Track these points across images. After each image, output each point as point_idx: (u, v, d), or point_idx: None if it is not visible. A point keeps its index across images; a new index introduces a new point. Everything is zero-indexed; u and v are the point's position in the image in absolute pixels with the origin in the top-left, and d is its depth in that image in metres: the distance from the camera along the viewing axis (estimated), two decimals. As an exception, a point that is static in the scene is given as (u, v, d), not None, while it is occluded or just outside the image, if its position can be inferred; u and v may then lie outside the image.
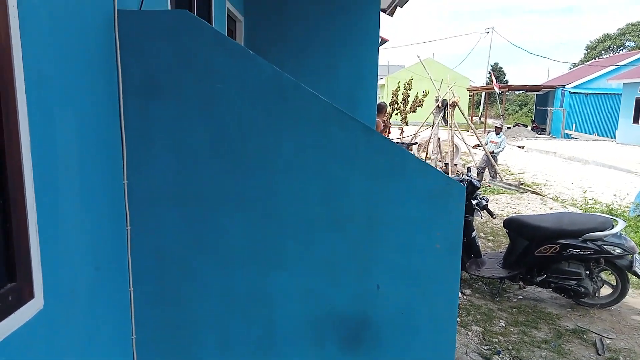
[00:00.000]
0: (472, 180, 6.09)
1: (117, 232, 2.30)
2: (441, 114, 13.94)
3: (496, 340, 4.64)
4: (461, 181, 5.98)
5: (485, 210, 6.13)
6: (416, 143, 15.70)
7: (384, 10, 8.18)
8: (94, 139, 2.07)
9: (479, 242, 6.28)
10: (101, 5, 2.12)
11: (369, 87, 6.27)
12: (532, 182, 14.22)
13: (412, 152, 14.98)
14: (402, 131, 18.95)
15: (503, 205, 10.92)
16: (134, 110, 2.28)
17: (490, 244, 7.84)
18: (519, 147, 24.72)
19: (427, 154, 14.92)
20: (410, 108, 20.46)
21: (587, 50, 65.02)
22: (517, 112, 57.01)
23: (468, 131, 20.70)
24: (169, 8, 3.15)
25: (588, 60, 51.21)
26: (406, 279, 2.43)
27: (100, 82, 2.12)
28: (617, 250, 5.23)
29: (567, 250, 5.34)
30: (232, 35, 5.78)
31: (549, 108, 35.27)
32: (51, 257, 1.74)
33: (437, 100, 14.06)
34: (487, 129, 29.57)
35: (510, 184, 13.16)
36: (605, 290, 5.62)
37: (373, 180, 2.34)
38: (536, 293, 5.91)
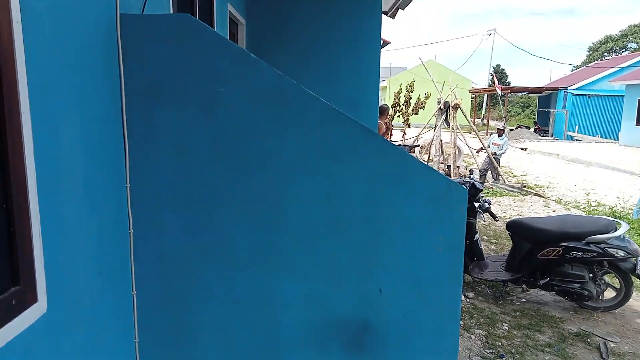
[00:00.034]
0: (475, 182, 6.08)
1: (119, 235, 2.30)
2: (443, 116, 13.93)
3: (499, 343, 4.63)
4: (463, 183, 5.98)
5: (487, 213, 6.12)
6: (418, 145, 15.70)
7: (386, 13, 8.19)
8: (96, 143, 2.07)
9: (482, 245, 6.28)
10: (104, 10, 2.13)
11: (371, 90, 6.28)
12: (535, 184, 14.20)
13: (414, 155, 15.00)
14: (404, 133, 18.93)
15: (506, 207, 10.91)
16: (137, 114, 2.29)
17: (493, 246, 7.83)
18: (522, 149, 24.68)
19: (429, 156, 14.91)
20: (412, 110, 20.48)
21: (589, 52, 64.97)
22: (519, 114, 56.93)
23: (470, 133, 20.68)
24: (171, 12, 3.16)
25: (590, 62, 51.13)
26: (408, 283, 2.43)
27: (103, 86, 2.13)
28: (621, 253, 5.22)
29: (570, 253, 5.33)
30: (234, 39, 5.79)
31: (551, 110, 35.23)
32: (54, 260, 1.75)
33: (439, 102, 14.05)
34: (489, 131, 29.56)
35: (513, 186, 13.14)
36: (609, 293, 5.61)
37: (375, 183, 2.34)
38: (539, 296, 5.89)
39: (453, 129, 13.84)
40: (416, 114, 20.87)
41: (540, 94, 38.23)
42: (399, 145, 13.59)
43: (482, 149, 13.72)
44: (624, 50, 59.12)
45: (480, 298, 5.78)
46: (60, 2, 1.79)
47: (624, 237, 5.36)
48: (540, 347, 4.58)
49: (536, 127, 36.39)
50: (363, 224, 2.38)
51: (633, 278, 5.40)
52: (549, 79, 54.40)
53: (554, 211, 10.55)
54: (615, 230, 5.35)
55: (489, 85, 42.74)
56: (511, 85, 48.07)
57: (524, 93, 43.94)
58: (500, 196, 12.18)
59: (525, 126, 38.12)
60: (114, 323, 2.28)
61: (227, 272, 2.41)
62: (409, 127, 20.43)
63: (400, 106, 20.91)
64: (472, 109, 41.72)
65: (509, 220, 6.33)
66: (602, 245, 5.25)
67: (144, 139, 2.31)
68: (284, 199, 2.36)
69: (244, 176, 2.34)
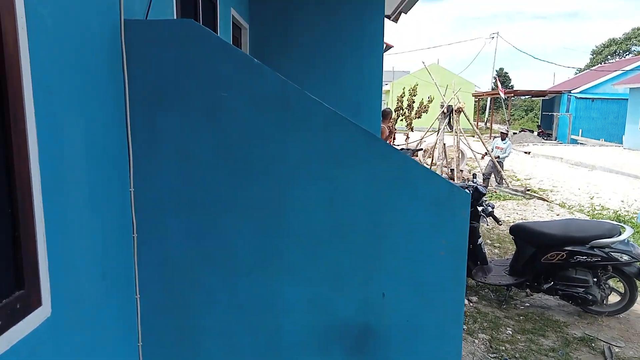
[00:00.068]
0: (478, 186, 6.08)
1: (123, 240, 2.31)
2: (446, 120, 13.93)
3: (503, 348, 4.62)
4: (467, 187, 5.97)
5: (491, 217, 6.11)
6: (421, 149, 15.70)
7: (389, 17, 8.21)
8: (100, 148, 2.09)
9: (485, 249, 6.27)
10: (108, 15, 2.14)
11: (374, 94, 6.29)
12: (539, 188, 14.17)
13: (417, 158, 15.00)
14: (408, 137, 18.95)
15: (509, 211, 10.89)
16: (141, 119, 2.30)
17: (496, 250, 7.82)
18: (525, 152, 24.65)
19: (432, 159, 14.91)
20: (416, 114, 20.49)
21: (592, 55, 64.90)
22: (522, 117, 56.86)
23: (474, 137, 20.66)
24: (175, 17, 3.17)
25: (594, 65, 51.12)
26: (411, 287, 2.43)
27: (107, 91, 2.14)
28: (625, 258, 5.20)
29: (574, 257, 5.31)
30: (237, 43, 5.81)
31: (555, 113, 35.17)
32: (58, 265, 1.76)
33: (442, 106, 14.05)
34: (492, 135, 29.53)
35: (516, 190, 13.12)
36: (614, 298, 5.59)
37: (377, 187, 2.35)
38: (543, 300, 5.88)
39: (456, 132, 13.83)
40: (419, 117, 20.87)
41: (543, 98, 38.19)
42: (402, 149, 13.61)
43: (486, 153, 13.70)
44: (627, 53, 59.03)
45: (484, 302, 5.77)
46: (64, 8, 1.81)
47: (628, 241, 5.34)
48: (544, 352, 4.56)
49: (540, 130, 36.34)
50: (366, 229, 2.39)
51: (638, 282, 5.38)
52: (552, 83, 54.35)
53: (557, 215, 10.53)
54: (620, 235, 5.33)
55: (492, 89, 42.72)
56: (514, 88, 48.01)
57: (527, 96, 43.92)
58: (503, 200, 12.16)
59: (528, 130, 38.06)
60: (118, 327, 2.29)
61: (230, 277, 2.42)
62: (412, 130, 20.43)
63: (403, 110, 20.92)
64: (475, 112, 41.72)
65: (512, 224, 6.32)
66: (607, 250, 5.24)
67: (148, 143, 2.32)
68: (286, 204, 2.36)
69: (247, 181, 2.35)
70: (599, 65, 47.87)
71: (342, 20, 6.08)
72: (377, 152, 2.32)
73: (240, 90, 2.29)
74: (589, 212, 10.87)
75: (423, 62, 17.71)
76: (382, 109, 9.66)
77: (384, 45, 8.10)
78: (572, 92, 34.22)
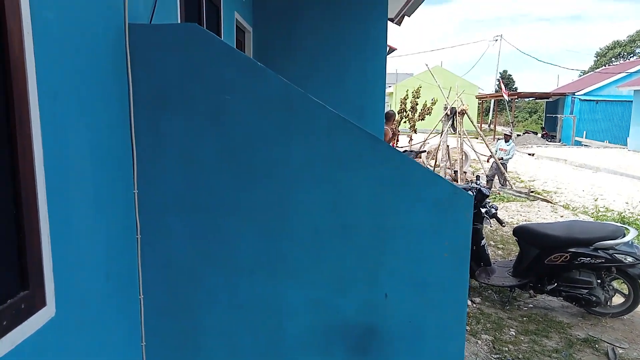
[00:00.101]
0: (481, 188, 6.08)
1: (127, 241, 2.33)
2: (450, 122, 13.93)
3: (506, 349, 4.63)
4: (470, 189, 5.98)
5: (494, 219, 6.12)
6: (425, 151, 15.70)
7: (392, 20, 8.23)
8: (105, 150, 2.11)
9: (489, 250, 6.27)
10: (112, 20, 2.16)
11: (377, 96, 6.30)
12: (543, 190, 14.15)
13: (420, 160, 15.00)
14: (411, 139, 18.95)
15: (513, 213, 10.88)
16: (145, 122, 2.32)
17: (500, 252, 7.81)
18: (529, 154, 24.61)
19: (436, 161, 14.91)
20: (419, 116, 20.48)
21: (597, 58, 64.76)
22: (526, 119, 56.81)
23: (477, 139, 20.66)
24: (179, 21, 3.20)
25: (598, 68, 51.00)
26: (414, 288, 2.44)
27: (112, 94, 2.16)
28: (629, 259, 5.20)
29: (578, 259, 5.31)
30: (241, 46, 5.84)
31: (559, 115, 35.11)
32: (63, 265, 1.77)
33: (445, 108, 14.05)
34: (496, 137, 29.50)
35: (520, 192, 13.10)
36: (618, 299, 5.58)
37: (380, 190, 2.36)
38: (547, 302, 5.88)
39: (460, 134, 13.83)
40: (422, 119, 20.86)
41: (547, 100, 38.14)
42: (405, 151, 13.61)
43: (491, 156, 13.69)
44: (632, 55, 58.89)
45: (487, 303, 5.77)
46: (69, 12, 1.83)
47: (632, 243, 5.34)
48: (548, 353, 4.56)
49: (543, 132, 36.29)
50: (368, 231, 2.40)
51: (642, 284, 5.37)
52: (556, 85, 54.26)
53: (561, 217, 10.52)
54: (624, 236, 5.33)
55: (496, 91, 42.66)
56: (518, 90, 47.97)
57: (531, 99, 43.85)
58: (507, 201, 12.15)
59: (532, 131, 38.03)
60: (122, 327, 2.31)
61: (233, 278, 2.43)
62: (415, 132, 20.44)
63: (406, 112, 20.92)
64: (479, 114, 41.69)
65: (516, 225, 6.32)
66: (610, 251, 5.24)
67: (152, 146, 2.34)
68: (290, 207, 2.38)
69: (251, 184, 2.36)
70: (603, 67, 47.75)
71: (346, 23, 6.10)
72: (380, 155, 2.33)
73: (244, 94, 2.30)
74: (593, 213, 10.85)
75: (426, 65, 17.71)
76: (386, 111, 9.67)
77: (387, 48, 8.11)
78: (576, 94, 34.15)
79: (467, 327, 4.98)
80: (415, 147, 16.28)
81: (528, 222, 8.63)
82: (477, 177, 7.21)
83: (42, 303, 1.66)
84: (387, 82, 7.00)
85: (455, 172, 13.76)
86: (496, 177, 13.66)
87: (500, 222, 6.25)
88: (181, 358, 2.50)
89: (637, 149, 26.70)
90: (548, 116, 39.06)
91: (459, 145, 13.88)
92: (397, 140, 15.31)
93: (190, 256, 2.42)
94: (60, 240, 1.75)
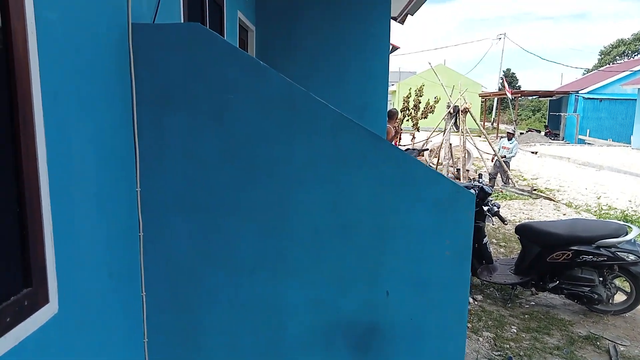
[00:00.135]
0: (484, 186, 6.09)
1: (129, 239, 2.35)
2: (453, 120, 13.92)
3: (507, 346, 4.63)
4: (472, 187, 5.99)
5: (496, 217, 6.12)
6: (427, 149, 15.69)
7: (395, 19, 8.23)
8: (108, 149, 2.12)
9: (491, 248, 6.28)
10: (116, 19, 2.18)
11: (380, 95, 6.31)
12: (546, 188, 14.13)
13: (423, 158, 15.00)
14: (414, 137, 18.94)
15: (515, 211, 10.87)
16: (147, 121, 2.33)
17: (502, 249, 7.82)
18: (532, 152, 24.56)
19: (438, 159, 14.90)
20: (422, 114, 20.47)
21: (601, 56, 64.52)
22: (530, 117, 56.65)
23: (480, 137, 20.63)
24: (182, 21, 3.21)
25: (602, 66, 50.84)
26: (415, 286, 2.45)
27: (115, 93, 2.18)
28: (631, 257, 5.20)
29: (580, 257, 5.31)
30: (243, 45, 5.85)
31: (562, 113, 35.03)
32: (66, 263, 1.79)
33: (448, 106, 14.04)
34: (499, 135, 29.44)
35: (523, 190, 13.09)
36: (620, 297, 5.58)
37: (382, 188, 2.37)
38: (549, 299, 5.88)
39: (462, 132, 13.82)
40: (425, 117, 20.85)
41: (551, 98, 38.05)
42: (408, 149, 13.61)
43: (495, 156, 13.66)
44: (636, 54, 58.65)
45: (489, 301, 5.78)
46: (73, 12, 1.84)
47: (634, 241, 5.34)
48: (549, 350, 4.57)
49: (547, 130, 36.21)
50: (370, 230, 2.41)
51: (644, 282, 5.37)
52: (559, 83, 54.13)
53: (564, 215, 10.51)
54: (626, 234, 5.33)
55: (499, 89, 42.57)
56: (522, 89, 47.87)
57: (534, 97, 43.74)
58: (510, 200, 12.14)
59: (535, 130, 37.93)
60: (124, 324, 2.33)
61: (234, 277, 2.45)
62: (418, 131, 20.42)
63: (409, 110, 20.90)
64: (482, 112, 41.60)
65: (518, 223, 6.33)
66: (613, 249, 5.24)
67: (155, 145, 2.35)
68: (291, 206, 2.39)
69: (252, 183, 2.38)
70: (607, 65, 47.60)
71: (349, 22, 6.10)
72: (382, 154, 2.33)
73: (247, 93, 2.31)
74: (595, 212, 10.83)
75: (429, 63, 17.70)
76: (388, 109, 9.68)
77: (390, 47, 8.11)
78: (579, 92, 34.07)
79: (469, 325, 4.99)
80: (418, 146, 16.29)
81: (530, 220, 8.63)
82: (480, 176, 7.22)
83: (45, 300, 1.68)
84: (390, 80, 7.01)
85: (458, 170, 13.76)
86: (499, 175, 13.65)
87: (502, 220, 6.25)
88: (183, 355, 2.52)
89: (641, 147, 26.62)
90: (551, 114, 38.97)
91: (462, 144, 13.87)
92: (400, 139, 15.30)
93: (192, 254, 2.44)
94: (63, 238, 1.77)
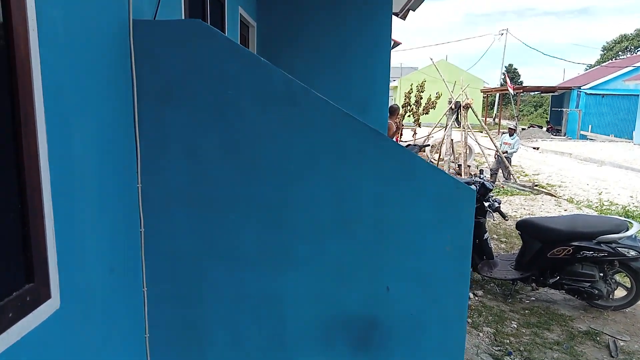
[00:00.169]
0: (485, 182, 6.09)
1: (131, 234, 2.36)
2: (454, 116, 13.90)
3: (507, 341, 4.65)
4: (473, 183, 5.99)
5: (497, 212, 6.12)
6: (429, 145, 15.68)
7: (396, 14, 8.21)
8: (109, 145, 2.13)
9: (492, 244, 6.28)
10: (117, 16, 2.18)
11: (381, 90, 6.31)
12: (547, 184, 14.13)
13: (425, 154, 14.99)
14: (415, 133, 18.92)
15: (517, 206, 10.88)
16: (149, 117, 2.34)
17: (503, 245, 7.83)
18: (534, 148, 24.54)
19: (440, 155, 14.89)
20: (423, 110, 20.43)
21: (603, 51, 64.30)
22: (532, 113, 56.55)
23: (482, 132, 20.61)
24: (183, 17, 3.21)
25: (604, 62, 50.66)
26: (416, 281, 2.46)
27: (116, 89, 2.18)
28: (632, 253, 5.21)
29: (581, 253, 5.33)
30: (245, 41, 5.85)
31: (564, 109, 34.95)
32: (67, 258, 1.80)
33: (450, 102, 14.02)
34: (501, 131, 29.40)
35: (524, 186, 13.09)
36: (620, 292, 5.60)
37: (383, 184, 2.37)
38: (549, 295, 5.89)
39: (464, 128, 13.81)
40: (427, 113, 20.80)
41: (553, 94, 37.94)
42: (409, 145, 13.61)
43: (497, 153, 13.64)
44: (639, 49, 58.44)
45: (489, 296, 5.79)
46: (74, 9, 1.85)
47: (635, 236, 5.35)
48: (549, 345, 4.59)
49: (549, 126, 36.14)
50: (370, 225, 2.41)
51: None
52: (562, 79, 53.97)
53: (565, 210, 10.51)
54: (627, 230, 5.34)
55: (501, 85, 42.49)
56: (524, 84, 47.75)
57: (536, 92, 43.67)
58: (511, 195, 12.15)
59: (537, 125, 37.88)
60: (125, 319, 2.34)
61: (236, 270, 2.46)
62: (419, 126, 20.38)
63: (411, 106, 20.86)
64: (484, 108, 41.53)
65: (519, 219, 6.33)
66: (613, 245, 5.25)
67: (156, 141, 2.36)
68: (292, 200, 2.40)
69: (253, 177, 2.38)
70: (610, 61, 47.45)
71: (350, 18, 6.10)
72: (383, 150, 2.34)
73: (247, 89, 2.32)
74: (597, 207, 10.83)
75: (431, 59, 17.67)
76: (390, 105, 9.68)
77: (392, 42, 8.10)
78: (582, 88, 33.98)
79: (469, 320, 5.01)
80: (419, 141, 16.28)
81: (531, 216, 8.63)
82: (481, 171, 7.22)
83: (47, 295, 1.69)
84: (391, 76, 7.01)
85: (459, 166, 13.76)
86: (500, 170, 13.64)
87: (503, 216, 6.26)
88: (185, 350, 2.54)
89: (642, 143, 26.56)
90: (553, 110, 38.86)
91: (463, 139, 13.86)
92: (401, 134, 15.29)
93: (194, 249, 2.45)
94: (65, 234, 1.78)
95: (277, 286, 2.47)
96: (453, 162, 14.12)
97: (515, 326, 4.98)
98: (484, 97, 41.73)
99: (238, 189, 2.39)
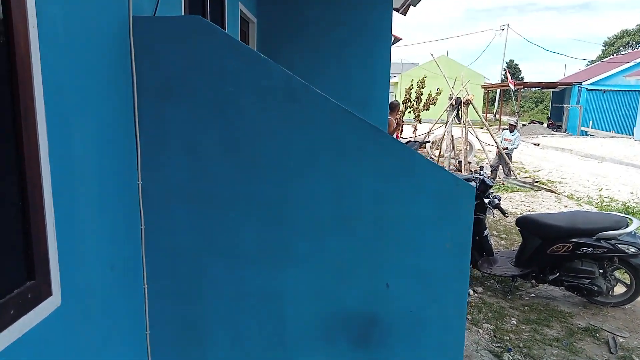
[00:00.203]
0: (485, 179, 6.09)
1: (131, 231, 2.36)
2: (455, 112, 13.89)
3: (507, 337, 4.66)
4: (473, 180, 5.99)
5: (497, 209, 6.13)
6: (429, 141, 15.67)
7: (397, 10, 8.20)
8: (109, 142, 2.13)
9: (492, 240, 6.29)
10: (116, 12, 2.18)
11: (381, 87, 6.30)
12: (547, 180, 14.13)
13: (425, 150, 14.98)
14: (415, 129, 18.92)
15: (517, 203, 10.88)
16: (149, 114, 2.34)
17: (503, 242, 7.83)
18: (535, 144, 24.52)
19: (440, 151, 14.89)
20: (424, 106, 20.42)
21: (604, 47, 64.22)
22: (532, 109, 56.53)
23: (482, 129, 20.60)
24: (183, 13, 3.21)
25: (606, 57, 50.58)
26: (415, 278, 2.46)
27: (116, 86, 2.19)
28: (632, 249, 5.22)
29: (581, 249, 5.33)
30: (245, 37, 5.84)
31: (565, 105, 34.92)
32: (68, 256, 1.81)
33: (450, 98, 14.01)
34: (501, 127, 29.38)
35: (524, 182, 13.08)
36: (619, 289, 5.60)
37: (382, 181, 2.37)
38: (549, 291, 5.90)
39: (464, 124, 13.80)
40: (427, 109, 20.81)
41: (554, 89, 37.91)
42: (409, 141, 13.60)
43: (499, 151, 13.62)
44: (640, 44, 58.34)
45: (489, 293, 5.80)
46: (74, 6, 1.85)
47: (635, 233, 5.35)
48: (548, 342, 4.60)
49: (549, 122, 36.12)
50: (370, 222, 2.42)
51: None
52: (563, 74, 53.92)
53: (565, 207, 10.51)
54: (627, 227, 5.34)
55: (502, 81, 42.45)
56: (524, 80, 47.69)
57: (537, 88, 43.60)
58: (511, 192, 12.14)
59: (538, 121, 37.84)
60: (126, 316, 2.35)
61: (236, 267, 2.46)
62: (420, 122, 20.38)
63: (411, 102, 20.85)
64: (484, 104, 41.51)
65: (519, 216, 6.34)
66: (613, 242, 5.25)
67: (156, 138, 2.36)
68: (292, 197, 2.40)
69: (253, 174, 2.39)
70: (611, 56, 47.36)
71: (350, 13, 6.09)
72: (383, 147, 2.34)
73: (247, 86, 2.32)
74: (597, 204, 10.83)
75: (432, 54, 17.65)
76: (390, 101, 9.67)
77: (392, 38, 8.09)
78: (582, 83, 33.93)
79: (469, 316, 5.02)
80: (420, 138, 16.27)
81: (531, 213, 8.64)
82: (481, 168, 7.21)
83: (48, 293, 1.70)
84: (391, 71, 7.00)
85: (460, 162, 13.75)
86: (500, 167, 13.64)
87: (503, 212, 6.26)
88: (185, 346, 2.55)
89: (643, 139, 26.54)
90: (554, 106, 38.84)
91: (464, 136, 13.86)
92: (402, 131, 15.28)
93: (194, 246, 2.45)
94: (66, 231, 1.79)
95: (277, 283, 2.48)
96: (453, 158, 14.13)
97: (515, 323, 4.99)
98: (484, 93, 41.72)
99: (238, 186, 2.40)
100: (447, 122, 14.13)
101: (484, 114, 33.17)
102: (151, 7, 2.60)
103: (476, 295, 5.69)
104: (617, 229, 5.28)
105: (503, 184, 12.94)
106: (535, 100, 59.20)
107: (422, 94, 20.70)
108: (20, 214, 1.57)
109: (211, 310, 2.51)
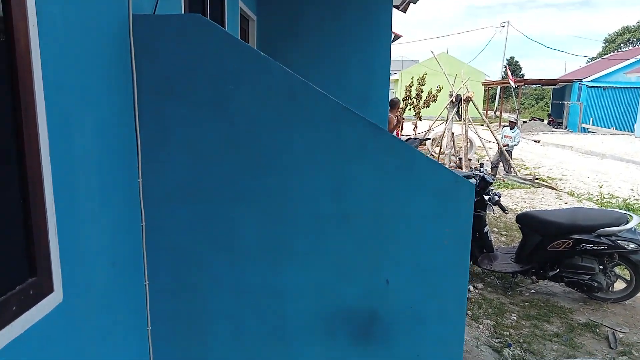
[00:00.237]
0: (485, 175, 6.10)
1: (132, 228, 2.38)
2: (455, 109, 13.89)
3: (507, 333, 4.68)
4: (473, 177, 6.00)
5: (497, 206, 6.13)
6: (429, 138, 15.66)
7: (397, 7, 8.20)
8: (110, 140, 2.14)
9: (492, 237, 6.30)
10: (116, 11, 2.19)
11: (381, 84, 6.31)
12: (548, 177, 14.13)
13: (425, 148, 14.98)
14: (416, 126, 18.90)
15: (517, 199, 10.88)
16: (149, 111, 2.35)
17: (503, 238, 7.84)
18: (535, 141, 24.51)
19: (440, 148, 14.89)
20: (424, 103, 20.40)
21: (605, 44, 64.09)
22: (533, 106, 56.46)
23: (483, 126, 20.58)
24: (183, 11, 3.22)
25: (606, 54, 50.49)
26: (415, 274, 2.47)
27: (116, 84, 2.19)
28: (632, 246, 5.23)
29: (581, 245, 5.35)
30: (245, 35, 5.85)
31: (565, 102, 34.89)
32: (70, 252, 1.82)
33: (451, 95, 14.01)
34: (502, 124, 29.36)
35: (525, 179, 13.09)
36: (619, 285, 5.62)
37: (382, 178, 2.38)
38: (549, 287, 5.91)
39: (465, 121, 13.80)
40: (427, 107, 20.78)
41: (554, 86, 37.86)
42: (409, 138, 13.60)
43: (499, 148, 13.61)
44: (640, 41, 58.23)
45: (489, 289, 5.81)
46: (74, 5, 1.85)
47: (635, 229, 5.37)
48: (548, 337, 4.61)
49: (550, 119, 36.09)
50: (370, 218, 2.42)
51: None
52: (563, 71, 53.80)
53: (566, 203, 10.52)
54: (627, 223, 5.36)
55: (503, 78, 42.41)
56: (525, 77, 47.63)
57: (537, 85, 43.57)
58: (511, 188, 12.15)
59: (538, 118, 37.82)
60: (128, 312, 2.36)
61: (237, 263, 2.48)
62: (420, 120, 20.36)
63: (411, 99, 20.83)
64: (485, 101, 41.46)
65: (519, 212, 6.35)
66: (613, 238, 5.27)
67: (156, 135, 2.37)
68: (292, 194, 2.41)
69: (254, 171, 2.40)
70: (612, 53, 47.29)
71: (350, 11, 6.09)
72: (382, 145, 2.35)
73: (247, 83, 2.33)
74: (597, 200, 10.84)
75: (432, 52, 17.65)
76: (390, 98, 9.67)
77: (393, 35, 8.10)
78: (583, 80, 33.89)
79: (469, 312, 5.03)
80: (420, 135, 16.27)
81: (532, 209, 8.64)
82: (481, 165, 7.22)
83: (50, 289, 1.71)
84: (392, 69, 7.00)
85: (460, 159, 13.75)
86: (501, 164, 13.64)
87: (503, 209, 6.27)
88: (187, 342, 2.56)
89: (644, 135, 26.51)
90: (555, 103, 38.81)
91: (464, 133, 13.85)
92: (402, 128, 15.27)
93: (195, 243, 2.46)
94: (67, 228, 1.80)
95: (278, 279, 2.49)
96: (454, 155, 14.12)
97: (515, 318, 5.01)
98: (485, 90, 41.66)
99: (238, 183, 2.41)
100: (447, 119, 14.12)
101: (485, 111, 33.13)
102: (151, 5, 2.61)
103: (476, 291, 5.71)
104: (617, 226, 5.29)
105: (503, 180, 12.94)
106: (536, 97, 59.13)
107: (422, 91, 20.67)
108: (21, 211, 1.58)
109: (212, 306, 2.52)
